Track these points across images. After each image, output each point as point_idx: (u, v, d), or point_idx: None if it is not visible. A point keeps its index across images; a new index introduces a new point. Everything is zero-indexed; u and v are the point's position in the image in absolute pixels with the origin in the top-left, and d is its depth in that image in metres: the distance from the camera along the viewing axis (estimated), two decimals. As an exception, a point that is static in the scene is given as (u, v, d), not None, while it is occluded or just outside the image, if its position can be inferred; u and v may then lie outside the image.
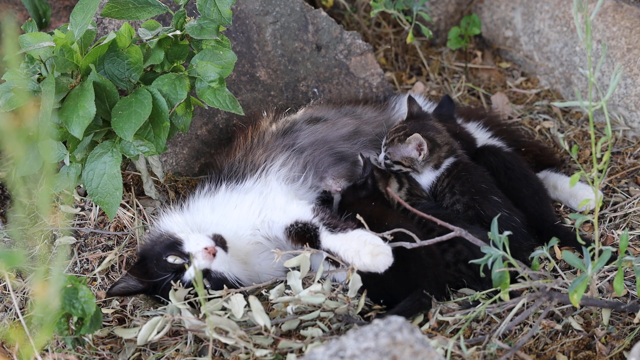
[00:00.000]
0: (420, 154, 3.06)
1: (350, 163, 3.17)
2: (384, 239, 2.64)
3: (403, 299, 2.66)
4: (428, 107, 3.54)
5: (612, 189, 3.33)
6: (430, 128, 3.13)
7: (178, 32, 2.89)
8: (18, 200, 3.24)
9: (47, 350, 2.63)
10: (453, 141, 3.17)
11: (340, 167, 3.16)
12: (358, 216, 2.67)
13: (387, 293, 2.70)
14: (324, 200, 3.12)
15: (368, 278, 2.64)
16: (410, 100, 3.25)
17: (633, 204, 3.20)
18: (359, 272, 2.64)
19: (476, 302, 2.70)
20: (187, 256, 2.73)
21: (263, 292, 2.82)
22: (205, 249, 2.72)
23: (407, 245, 2.62)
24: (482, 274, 2.58)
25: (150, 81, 2.88)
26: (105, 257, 3.06)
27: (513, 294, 2.65)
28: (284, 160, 3.07)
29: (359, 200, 3.02)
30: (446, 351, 2.40)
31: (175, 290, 2.67)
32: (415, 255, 2.68)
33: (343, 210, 2.94)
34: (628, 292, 2.76)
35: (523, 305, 2.59)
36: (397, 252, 2.62)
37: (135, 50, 2.85)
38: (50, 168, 2.87)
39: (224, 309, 2.62)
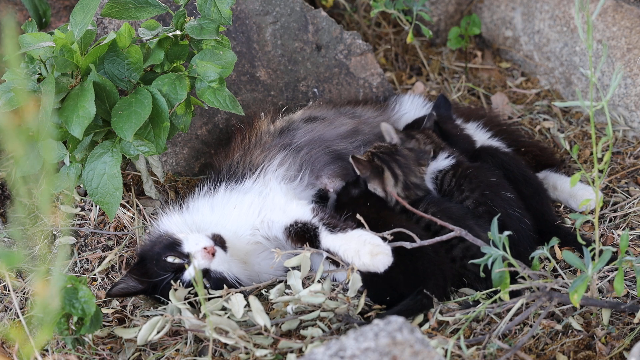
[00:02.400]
0: (392, 139, 3.25)
1: (347, 162, 3.17)
2: (384, 239, 2.64)
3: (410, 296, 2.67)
4: (427, 107, 3.54)
5: (612, 189, 3.33)
6: (415, 128, 3.34)
7: (178, 32, 2.89)
8: (18, 200, 3.24)
9: (47, 350, 2.63)
10: (444, 145, 3.23)
11: (336, 166, 3.15)
12: (358, 216, 2.66)
13: (394, 291, 2.70)
14: (322, 197, 3.11)
15: (373, 276, 2.64)
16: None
17: (633, 204, 3.20)
18: (361, 271, 2.64)
19: (476, 302, 2.70)
20: (186, 256, 2.73)
21: (263, 292, 2.82)
22: (205, 248, 2.71)
23: (407, 245, 2.61)
24: (482, 274, 2.58)
25: (150, 81, 2.88)
26: (105, 257, 3.06)
27: (513, 294, 2.65)
28: (281, 160, 3.07)
29: (353, 199, 3.01)
30: (446, 351, 2.39)
31: (175, 290, 2.67)
32: (421, 253, 2.67)
33: (339, 209, 2.94)
34: (628, 292, 2.76)
35: (523, 305, 2.59)
36: (402, 249, 2.62)
37: (135, 50, 2.85)
38: (51, 168, 2.87)
39: (224, 308, 2.62)
